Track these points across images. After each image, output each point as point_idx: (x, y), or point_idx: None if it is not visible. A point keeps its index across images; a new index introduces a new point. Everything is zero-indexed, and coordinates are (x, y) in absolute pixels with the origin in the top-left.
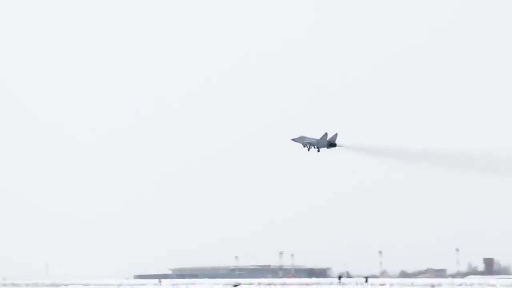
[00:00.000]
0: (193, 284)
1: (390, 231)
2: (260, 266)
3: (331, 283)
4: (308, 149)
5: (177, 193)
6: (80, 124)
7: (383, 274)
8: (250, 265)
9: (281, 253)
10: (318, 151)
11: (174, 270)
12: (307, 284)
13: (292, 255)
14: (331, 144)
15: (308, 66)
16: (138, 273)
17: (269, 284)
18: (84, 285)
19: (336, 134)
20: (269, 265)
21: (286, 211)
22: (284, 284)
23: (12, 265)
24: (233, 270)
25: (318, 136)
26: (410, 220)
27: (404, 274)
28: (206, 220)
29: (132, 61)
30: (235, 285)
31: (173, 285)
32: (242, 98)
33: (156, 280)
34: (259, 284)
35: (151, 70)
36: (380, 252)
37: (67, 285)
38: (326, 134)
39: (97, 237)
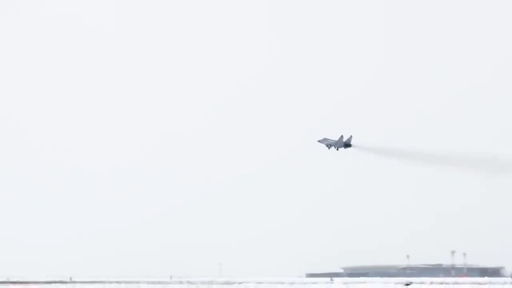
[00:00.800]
0: (364, 282)
1: None
2: (431, 265)
3: (504, 283)
4: (329, 148)
5: (350, 195)
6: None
7: None
8: (422, 264)
9: (453, 252)
10: (337, 150)
11: (345, 268)
12: (479, 283)
13: (465, 254)
14: (347, 144)
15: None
16: (310, 272)
17: (441, 283)
18: (257, 283)
19: (351, 136)
20: (441, 264)
21: (459, 209)
22: (456, 283)
23: (187, 264)
24: (404, 269)
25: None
26: None
27: None
28: (378, 220)
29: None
30: (407, 284)
31: (345, 283)
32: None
33: (328, 279)
34: (431, 283)
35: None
36: None
37: (240, 283)
38: (342, 136)
39: (270, 236)
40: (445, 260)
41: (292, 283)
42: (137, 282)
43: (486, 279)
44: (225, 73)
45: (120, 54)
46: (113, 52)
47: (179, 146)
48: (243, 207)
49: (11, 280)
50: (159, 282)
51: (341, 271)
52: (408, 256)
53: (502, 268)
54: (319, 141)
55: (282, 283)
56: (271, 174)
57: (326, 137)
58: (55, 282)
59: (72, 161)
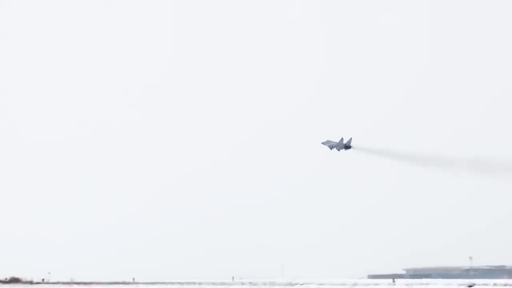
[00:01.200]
0: (427, 284)
1: None
2: (495, 266)
3: None
4: (331, 149)
5: (412, 196)
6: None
7: None
8: (485, 266)
9: None
10: (339, 150)
11: (407, 270)
12: None
13: None
14: (347, 146)
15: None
16: (372, 273)
17: (505, 285)
18: (319, 284)
19: (351, 138)
20: (505, 266)
21: None
22: None
23: (249, 264)
24: (467, 270)
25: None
26: None
27: None
28: (440, 220)
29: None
30: (470, 286)
31: (407, 285)
32: None
33: (390, 280)
34: (495, 285)
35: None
36: None
37: (302, 284)
38: (342, 138)
39: (332, 237)
40: (509, 262)
41: (354, 284)
42: (199, 283)
43: None
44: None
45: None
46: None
47: (239, 152)
48: (305, 208)
49: (74, 281)
50: (221, 283)
51: (403, 272)
52: (471, 258)
53: None
54: (322, 143)
55: (344, 284)
56: (332, 176)
57: (329, 139)
58: (118, 283)
59: (136, 162)
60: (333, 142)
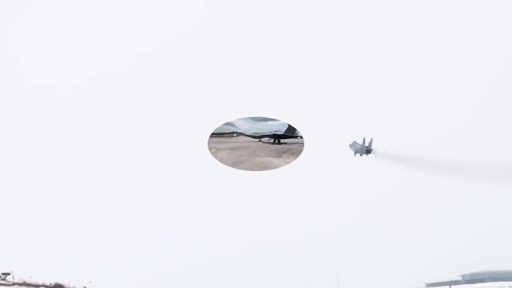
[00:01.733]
0: None
1: None
2: None
3: None
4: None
5: (468, 199)
6: None
7: None
8: None
9: None
10: (361, 156)
11: (464, 275)
12: None
13: None
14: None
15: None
16: (430, 281)
17: None
18: None
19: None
20: None
21: None
22: None
23: (303, 276)
24: None
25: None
26: None
27: None
28: (496, 225)
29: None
30: None
31: None
32: None
33: (447, 287)
34: None
35: None
36: None
37: None
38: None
39: (388, 246)
40: None
41: None
42: None
43: None
44: None
45: None
46: None
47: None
48: (358, 212)
49: None
50: None
51: (460, 278)
52: None
53: None
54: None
55: None
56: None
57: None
58: None
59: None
60: (358, 144)
